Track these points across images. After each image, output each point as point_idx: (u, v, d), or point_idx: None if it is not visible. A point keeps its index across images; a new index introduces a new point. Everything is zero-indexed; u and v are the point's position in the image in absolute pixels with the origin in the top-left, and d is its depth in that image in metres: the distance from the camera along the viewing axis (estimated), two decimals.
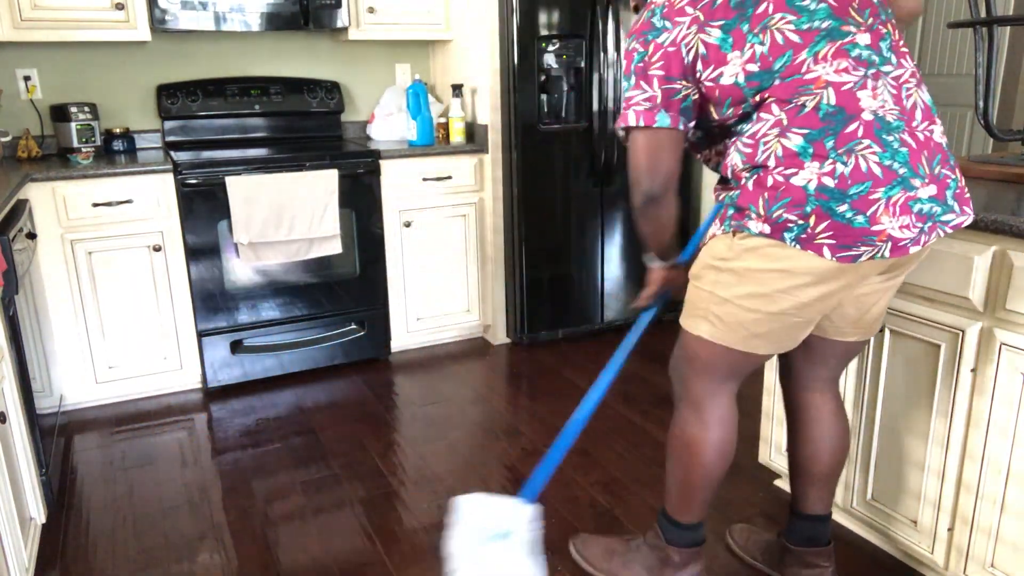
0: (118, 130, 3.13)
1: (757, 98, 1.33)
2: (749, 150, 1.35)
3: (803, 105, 1.28)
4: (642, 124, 1.41)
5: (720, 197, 1.46)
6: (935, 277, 1.61)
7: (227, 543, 2.05)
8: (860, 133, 1.26)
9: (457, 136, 3.34)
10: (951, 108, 4.56)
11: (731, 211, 1.40)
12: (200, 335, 2.94)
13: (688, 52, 1.35)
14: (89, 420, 2.80)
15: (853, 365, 1.84)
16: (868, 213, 1.26)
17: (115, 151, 3.12)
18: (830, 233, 1.28)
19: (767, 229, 1.33)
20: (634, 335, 1.66)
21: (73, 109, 2.96)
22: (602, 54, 3.23)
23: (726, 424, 1.58)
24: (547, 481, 1.64)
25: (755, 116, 1.34)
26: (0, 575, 1.62)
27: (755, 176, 1.33)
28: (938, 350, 1.63)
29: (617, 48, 3.24)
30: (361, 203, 3.09)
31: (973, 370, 1.57)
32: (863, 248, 1.29)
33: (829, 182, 1.26)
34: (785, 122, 1.30)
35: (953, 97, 4.51)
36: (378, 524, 2.12)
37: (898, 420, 1.77)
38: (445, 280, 3.37)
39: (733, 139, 1.40)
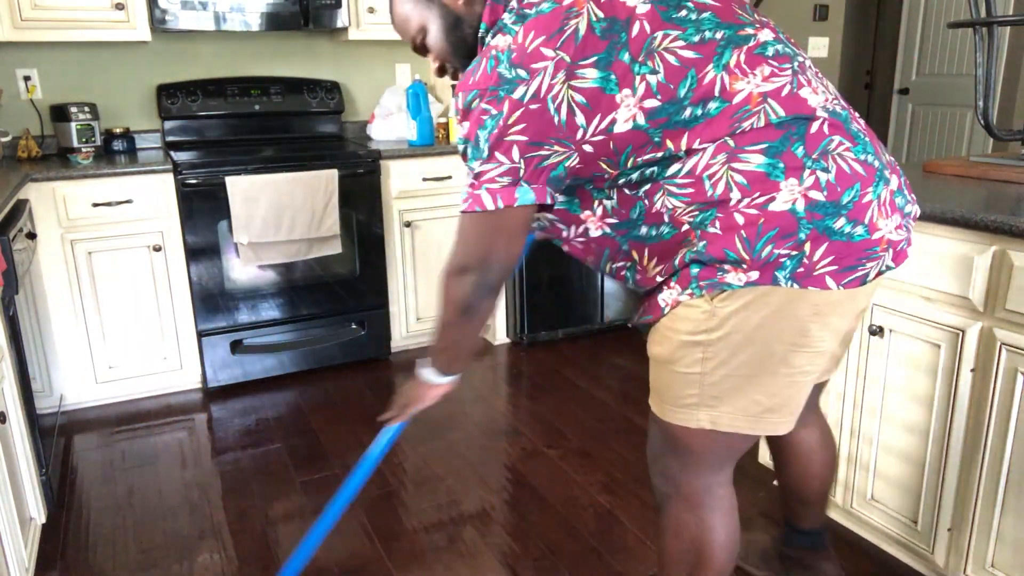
0: (118, 130, 3.13)
1: (683, 145, 1.08)
2: (690, 190, 1.10)
3: (748, 128, 1.07)
4: (501, 206, 1.10)
5: (677, 253, 1.17)
6: (935, 277, 1.61)
7: (227, 543, 2.05)
8: (827, 130, 1.08)
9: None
10: (951, 108, 4.56)
11: (696, 268, 1.13)
12: (200, 335, 2.94)
13: (558, 108, 1.06)
14: (89, 420, 2.79)
15: (853, 365, 1.84)
16: (866, 221, 1.09)
17: (115, 151, 3.12)
18: (831, 259, 1.08)
19: (755, 276, 1.09)
20: (377, 450, 1.53)
21: (73, 109, 2.96)
22: None
23: (732, 516, 1.34)
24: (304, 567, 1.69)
25: (684, 154, 1.10)
26: (0, 575, 1.62)
27: (716, 217, 1.09)
28: (938, 350, 1.63)
29: None
30: (361, 203, 3.09)
31: (973, 370, 1.57)
32: (868, 264, 1.11)
33: (818, 196, 1.06)
34: (733, 144, 1.07)
35: (953, 97, 4.51)
36: (378, 524, 2.12)
37: (898, 420, 1.76)
38: None
39: (649, 186, 1.13)
